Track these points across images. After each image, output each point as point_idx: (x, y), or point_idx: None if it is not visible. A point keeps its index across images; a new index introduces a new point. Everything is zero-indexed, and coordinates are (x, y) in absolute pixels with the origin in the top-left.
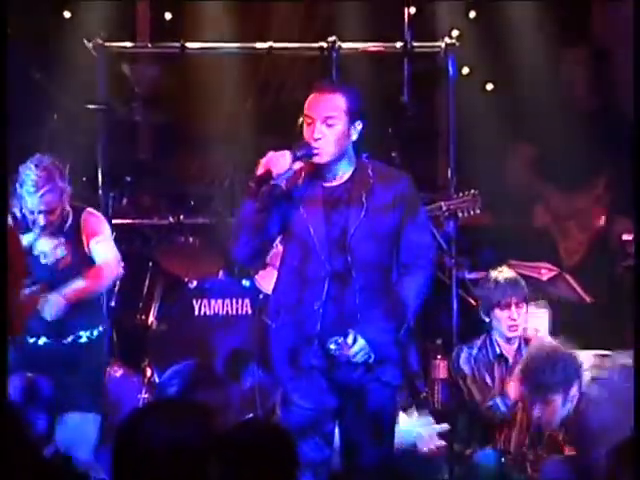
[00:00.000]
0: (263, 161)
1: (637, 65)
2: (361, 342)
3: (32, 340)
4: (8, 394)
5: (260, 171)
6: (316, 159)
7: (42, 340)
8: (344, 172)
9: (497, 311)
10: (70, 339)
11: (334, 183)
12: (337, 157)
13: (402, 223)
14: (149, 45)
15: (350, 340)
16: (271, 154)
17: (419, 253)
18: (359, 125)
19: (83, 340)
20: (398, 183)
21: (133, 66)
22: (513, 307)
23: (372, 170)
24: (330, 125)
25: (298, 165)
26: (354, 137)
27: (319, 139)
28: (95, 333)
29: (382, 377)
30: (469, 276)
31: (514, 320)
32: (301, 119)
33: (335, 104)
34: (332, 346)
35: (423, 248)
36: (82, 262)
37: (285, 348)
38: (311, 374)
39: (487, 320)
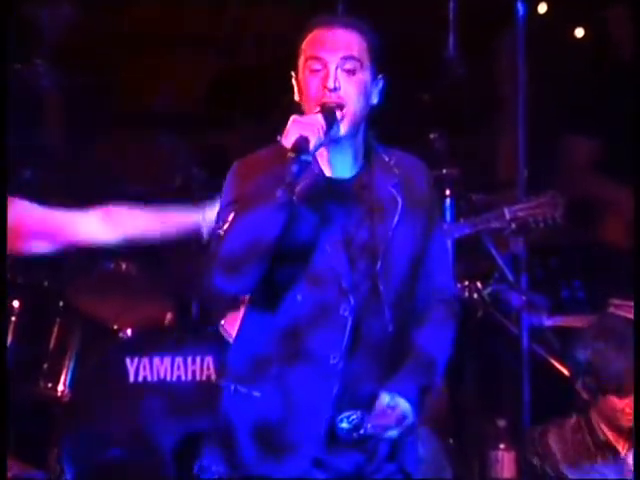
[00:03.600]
0: (291, 127)
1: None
2: (403, 404)
3: None
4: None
5: (291, 139)
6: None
7: None
8: (356, 157)
9: (611, 397)
10: None
11: (343, 174)
12: (355, 130)
13: (428, 234)
14: None
15: (385, 403)
16: (298, 118)
17: (447, 280)
18: (381, 81)
19: None
20: (421, 172)
21: (38, 4)
22: None
23: (386, 154)
24: (350, 72)
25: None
26: (374, 99)
27: (336, 89)
28: None
29: (406, 465)
30: (549, 322)
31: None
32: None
33: (354, 41)
34: (344, 424)
35: (449, 274)
36: None
37: (268, 433)
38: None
39: (586, 397)
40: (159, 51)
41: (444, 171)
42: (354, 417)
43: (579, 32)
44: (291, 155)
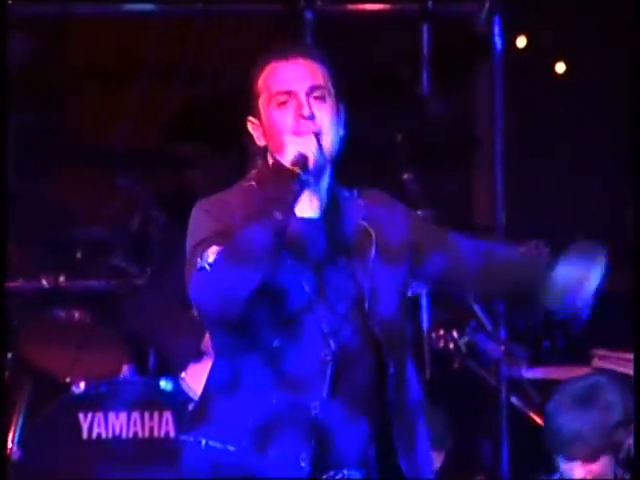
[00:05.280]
0: (289, 144)
1: (636, 65)
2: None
3: None
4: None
5: (289, 157)
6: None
7: None
8: (322, 196)
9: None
10: None
11: (312, 214)
12: (328, 162)
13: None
14: (10, 1)
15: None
16: (294, 138)
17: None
18: (342, 111)
19: None
20: (382, 196)
21: None
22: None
23: (347, 190)
24: (320, 99)
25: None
26: (341, 130)
27: (312, 117)
28: None
29: None
30: (528, 374)
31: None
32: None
33: (317, 70)
34: None
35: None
36: None
37: None
38: None
39: (561, 464)
40: (114, 86)
41: (418, 213)
42: (338, 478)
43: (560, 67)
44: (297, 171)
